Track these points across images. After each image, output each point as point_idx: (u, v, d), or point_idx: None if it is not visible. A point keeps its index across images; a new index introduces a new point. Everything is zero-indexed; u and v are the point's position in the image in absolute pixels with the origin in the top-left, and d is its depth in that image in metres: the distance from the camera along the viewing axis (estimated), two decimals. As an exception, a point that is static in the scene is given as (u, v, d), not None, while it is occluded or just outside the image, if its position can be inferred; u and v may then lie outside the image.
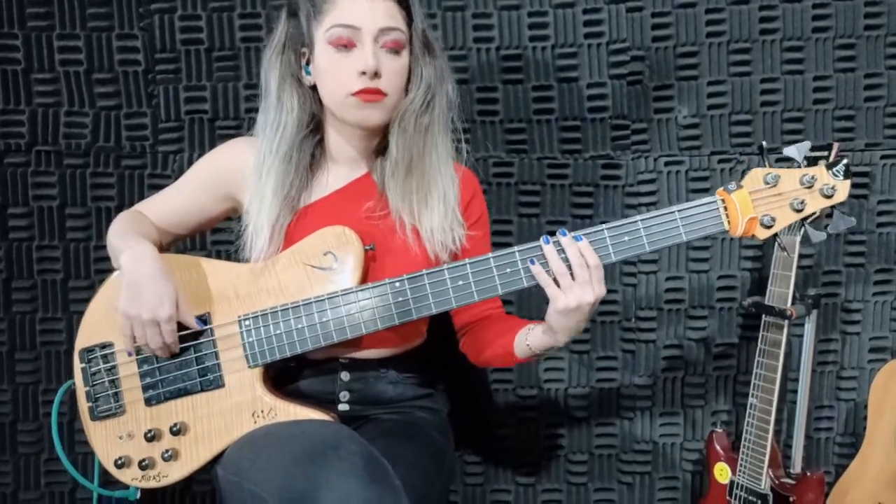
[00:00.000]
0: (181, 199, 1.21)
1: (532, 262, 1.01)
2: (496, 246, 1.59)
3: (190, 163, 1.59)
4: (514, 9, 1.58)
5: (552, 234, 1.01)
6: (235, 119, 1.60)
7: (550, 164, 1.62)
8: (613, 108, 1.60)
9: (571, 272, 0.99)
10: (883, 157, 1.61)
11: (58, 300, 1.61)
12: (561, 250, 1.00)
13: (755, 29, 1.59)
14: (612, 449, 1.70)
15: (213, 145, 1.59)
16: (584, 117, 1.61)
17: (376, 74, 1.07)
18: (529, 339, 1.09)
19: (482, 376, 1.68)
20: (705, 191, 1.61)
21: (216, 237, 1.62)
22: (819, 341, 1.64)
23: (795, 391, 1.52)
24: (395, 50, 1.09)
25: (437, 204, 1.15)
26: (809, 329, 1.46)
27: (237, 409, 1.06)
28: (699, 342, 1.66)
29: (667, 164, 1.62)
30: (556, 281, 1.00)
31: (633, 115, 1.61)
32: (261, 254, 1.11)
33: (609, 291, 1.62)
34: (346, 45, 1.06)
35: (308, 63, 1.13)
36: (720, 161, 1.62)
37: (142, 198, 1.59)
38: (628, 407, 1.68)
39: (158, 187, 1.59)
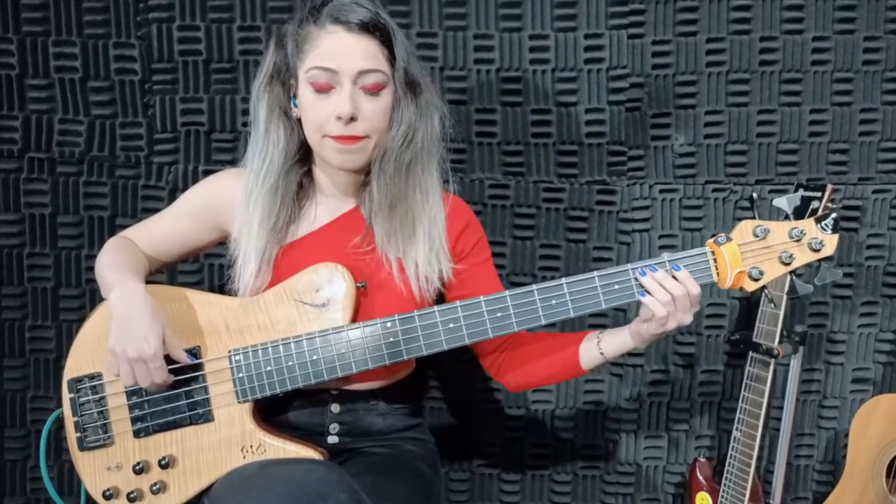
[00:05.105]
0: (170, 228, 1.21)
1: (643, 274, 1.03)
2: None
3: (185, 175, 1.60)
4: (516, 31, 1.57)
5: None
6: (232, 132, 1.59)
7: (546, 188, 1.62)
8: (611, 134, 1.60)
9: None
10: (875, 191, 1.62)
11: (48, 308, 1.61)
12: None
13: (755, 60, 1.59)
14: (597, 470, 1.72)
15: (208, 158, 1.60)
16: (582, 142, 1.61)
17: (352, 119, 1.06)
18: (603, 346, 1.13)
19: (471, 394, 1.70)
20: (698, 219, 1.62)
21: (209, 251, 1.62)
22: (803, 370, 1.66)
23: (779, 419, 1.54)
24: (375, 92, 1.08)
25: (421, 240, 1.14)
26: (795, 365, 1.47)
27: (226, 443, 1.07)
28: (686, 368, 1.68)
29: (661, 191, 1.62)
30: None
31: (630, 141, 1.61)
32: (248, 286, 1.11)
33: (599, 315, 1.63)
34: (324, 89, 1.06)
35: (295, 96, 1.12)
36: (714, 190, 1.62)
37: (135, 209, 1.61)
38: (613, 429, 1.70)
39: (152, 198, 1.60)
